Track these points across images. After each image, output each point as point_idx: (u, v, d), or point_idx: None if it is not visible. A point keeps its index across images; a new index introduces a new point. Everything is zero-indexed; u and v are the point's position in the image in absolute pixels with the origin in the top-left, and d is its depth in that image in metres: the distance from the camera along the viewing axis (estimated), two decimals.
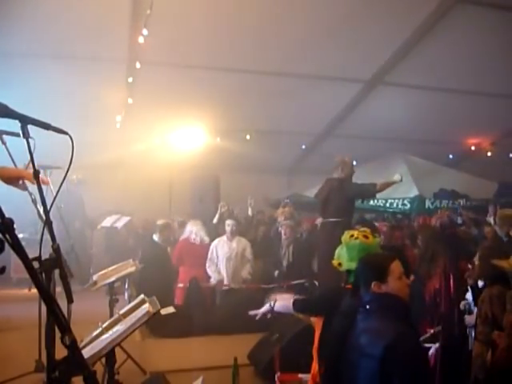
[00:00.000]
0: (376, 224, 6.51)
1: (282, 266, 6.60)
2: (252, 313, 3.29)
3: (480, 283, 4.06)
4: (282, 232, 6.68)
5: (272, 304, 3.19)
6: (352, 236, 2.99)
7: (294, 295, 3.40)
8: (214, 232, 7.22)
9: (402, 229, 5.96)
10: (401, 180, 5.52)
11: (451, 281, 4.56)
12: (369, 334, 2.24)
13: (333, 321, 2.70)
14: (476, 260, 4.00)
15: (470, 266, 4.09)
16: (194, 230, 6.71)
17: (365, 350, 2.20)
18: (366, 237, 2.98)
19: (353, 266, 2.82)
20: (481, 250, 4.09)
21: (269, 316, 3.30)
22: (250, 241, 6.94)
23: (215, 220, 7.35)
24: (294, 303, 3.13)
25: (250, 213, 7.63)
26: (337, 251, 3.08)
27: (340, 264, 2.99)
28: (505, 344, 2.96)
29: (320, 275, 5.76)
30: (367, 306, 2.33)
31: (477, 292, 3.98)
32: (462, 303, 4.18)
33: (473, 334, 3.92)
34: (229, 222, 6.64)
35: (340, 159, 5.66)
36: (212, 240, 6.76)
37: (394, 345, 2.11)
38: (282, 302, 3.21)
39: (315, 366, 3.07)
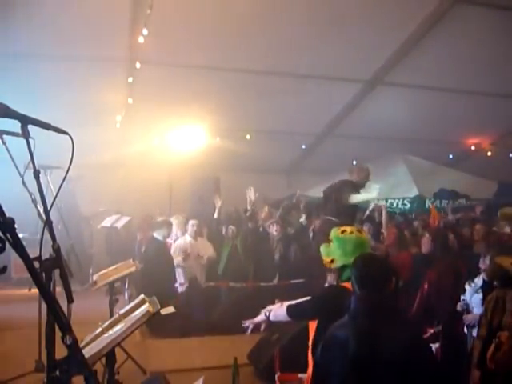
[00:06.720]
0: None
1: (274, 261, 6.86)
2: (247, 323, 3.08)
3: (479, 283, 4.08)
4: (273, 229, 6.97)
5: (267, 314, 3.02)
6: (344, 231, 2.89)
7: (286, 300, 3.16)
8: (216, 229, 7.29)
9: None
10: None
11: (453, 281, 4.58)
12: (385, 337, 2.18)
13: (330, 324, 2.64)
14: (487, 260, 4.01)
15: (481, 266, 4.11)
16: (172, 230, 6.88)
17: (384, 353, 2.13)
18: (359, 231, 2.96)
19: (349, 260, 2.72)
20: (492, 251, 4.07)
21: (263, 328, 3.11)
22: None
23: (216, 215, 7.60)
24: (287, 310, 2.96)
25: (249, 208, 7.65)
26: (323, 249, 2.97)
27: (332, 261, 2.86)
28: (508, 345, 2.95)
29: (314, 273, 5.72)
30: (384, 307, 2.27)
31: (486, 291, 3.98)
32: (459, 304, 4.20)
33: (473, 333, 3.93)
34: (192, 223, 6.83)
35: (358, 166, 5.66)
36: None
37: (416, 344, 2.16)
38: (276, 311, 3.03)
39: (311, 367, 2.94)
